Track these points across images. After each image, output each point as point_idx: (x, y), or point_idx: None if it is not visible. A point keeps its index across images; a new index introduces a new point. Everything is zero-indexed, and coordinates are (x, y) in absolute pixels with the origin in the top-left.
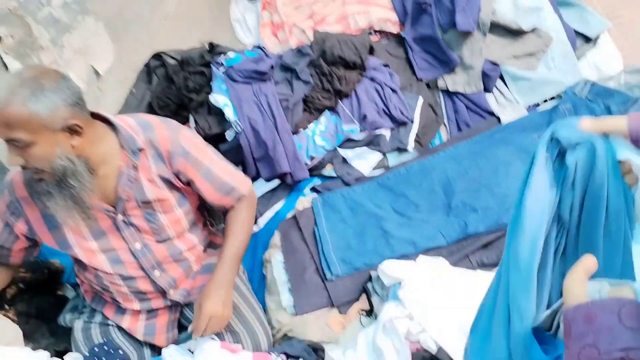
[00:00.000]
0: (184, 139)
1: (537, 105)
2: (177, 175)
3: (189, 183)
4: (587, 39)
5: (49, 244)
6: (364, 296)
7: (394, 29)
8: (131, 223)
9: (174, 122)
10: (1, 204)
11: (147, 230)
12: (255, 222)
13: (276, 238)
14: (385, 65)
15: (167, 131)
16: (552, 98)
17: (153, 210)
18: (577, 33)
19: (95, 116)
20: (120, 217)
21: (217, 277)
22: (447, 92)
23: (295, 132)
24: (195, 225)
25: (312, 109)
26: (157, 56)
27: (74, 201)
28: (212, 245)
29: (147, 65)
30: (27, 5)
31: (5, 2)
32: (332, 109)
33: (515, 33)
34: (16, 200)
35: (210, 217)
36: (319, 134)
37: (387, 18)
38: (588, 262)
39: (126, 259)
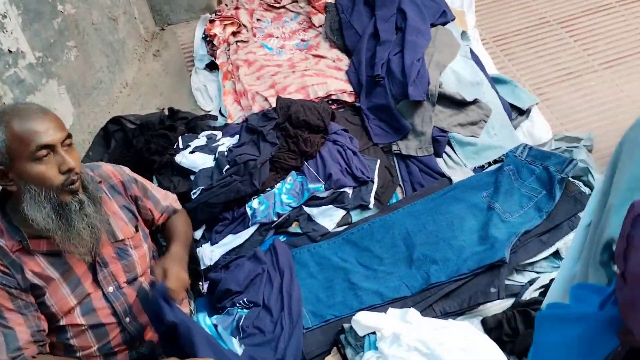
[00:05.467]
0: (127, 170)
1: (483, 167)
2: (135, 202)
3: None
4: (520, 111)
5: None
6: (335, 349)
7: (350, 99)
8: (104, 263)
9: (112, 163)
10: None
11: (119, 269)
12: None
13: None
14: (345, 130)
15: (110, 166)
16: (496, 161)
17: (124, 245)
18: (512, 106)
19: None
20: (95, 258)
21: (174, 253)
22: (401, 156)
23: (262, 190)
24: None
25: (279, 168)
26: (116, 120)
27: (99, 206)
28: None
29: (104, 129)
30: None
31: None
32: (298, 169)
33: (459, 104)
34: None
35: None
36: (285, 192)
37: (343, 89)
38: None
39: (99, 306)
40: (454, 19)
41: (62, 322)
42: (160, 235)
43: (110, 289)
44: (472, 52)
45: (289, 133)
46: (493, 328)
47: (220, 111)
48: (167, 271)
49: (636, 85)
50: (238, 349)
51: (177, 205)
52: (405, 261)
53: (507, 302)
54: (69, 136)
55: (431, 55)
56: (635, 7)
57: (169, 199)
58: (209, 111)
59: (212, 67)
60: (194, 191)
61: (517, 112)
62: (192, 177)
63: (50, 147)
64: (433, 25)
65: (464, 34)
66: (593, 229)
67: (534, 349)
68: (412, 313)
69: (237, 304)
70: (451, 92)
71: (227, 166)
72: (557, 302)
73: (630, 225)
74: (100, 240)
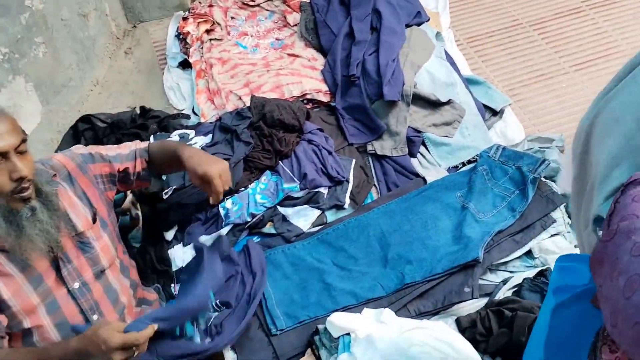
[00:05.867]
0: (78, 149)
1: (457, 167)
2: (98, 183)
3: (112, 182)
4: (493, 112)
5: None
6: (309, 351)
7: (325, 98)
8: (67, 259)
9: (61, 151)
10: None
11: (83, 263)
12: None
13: None
14: (321, 130)
15: (60, 154)
16: (470, 161)
17: (86, 237)
18: (485, 107)
19: None
20: (57, 254)
21: (192, 150)
22: (376, 156)
23: (236, 190)
24: (127, 270)
25: (253, 168)
26: (86, 119)
27: (55, 209)
28: (145, 302)
29: (73, 128)
30: None
31: None
32: (272, 169)
33: (433, 104)
34: None
35: (141, 277)
36: (259, 192)
37: (318, 89)
38: None
39: (64, 303)
40: (428, 20)
41: (27, 324)
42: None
43: (76, 285)
44: (446, 53)
45: (263, 132)
46: (467, 327)
47: (193, 110)
48: (206, 172)
49: None
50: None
51: (142, 145)
52: (380, 261)
53: (481, 302)
54: (24, 141)
55: (406, 56)
56: (604, 11)
57: (132, 146)
58: (182, 110)
59: (185, 65)
60: (165, 191)
61: (490, 113)
62: (163, 177)
63: (3, 154)
64: (408, 25)
65: (438, 35)
66: (576, 198)
67: (547, 337)
68: (387, 313)
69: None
70: (426, 93)
71: None
72: (560, 285)
73: (620, 192)
74: (57, 244)
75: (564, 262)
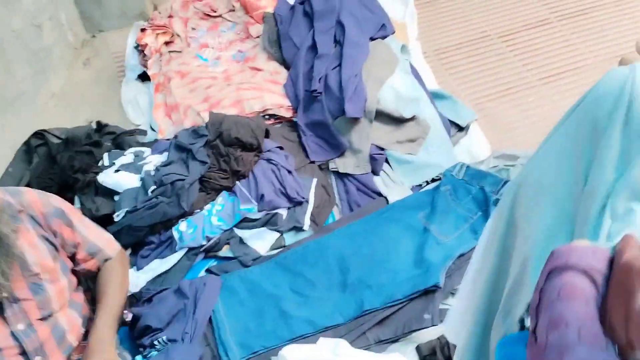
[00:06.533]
0: (55, 200)
1: (420, 185)
2: (54, 235)
3: (64, 248)
4: (459, 128)
5: None
6: None
7: (287, 114)
8: (14, 299)
9: (39, 190)
10: None
11: (32, 305)
12: None
13: None
14: (280, 148)
15: (36, 194)
16: (434, 180)
17: (40, 279)
18: (451, 122)
19: None
20: (3, 294)
21: (96, 338)
22: (338, 174)
23: (191, 212)
24: (78, 307)
25: (209, 189)
26: (39, 134)
27: (6, 253)
28: None
29: (26, 144)
30: None
31: None
32: (229, 189)
33: (397, 121)
34: None
35: (92, 303)
36: (215, 214)
37: (280, 104)
38: None
39: (4, 345)
40: (393, 32)
41: None
42: None
43: (20, 326)
44: (412, 66)
45: (220, 151)
46: (427, 355)
47: (150, 125)
48: None
49: (573, 102)
50: None
51: (111, 249)
52: (339, 286)
53: (443, 327)
54: None
55: (369, 71)
56: (572, 23)
57: (101, 239)
58: (139, 125)
59: (144, 77)
60: (117, 213)
61: (456, 128)
62: (115, 198)
63: None
64: (372, 39)
65: (403, 47)
66: (493, 275)
67: None
68: (343, 345)
69: (157, 342)
70: (389, 109)
71: (154, 186)
72: None
73: (544, 279)
74: (3, 288)
75: (507, 349)
